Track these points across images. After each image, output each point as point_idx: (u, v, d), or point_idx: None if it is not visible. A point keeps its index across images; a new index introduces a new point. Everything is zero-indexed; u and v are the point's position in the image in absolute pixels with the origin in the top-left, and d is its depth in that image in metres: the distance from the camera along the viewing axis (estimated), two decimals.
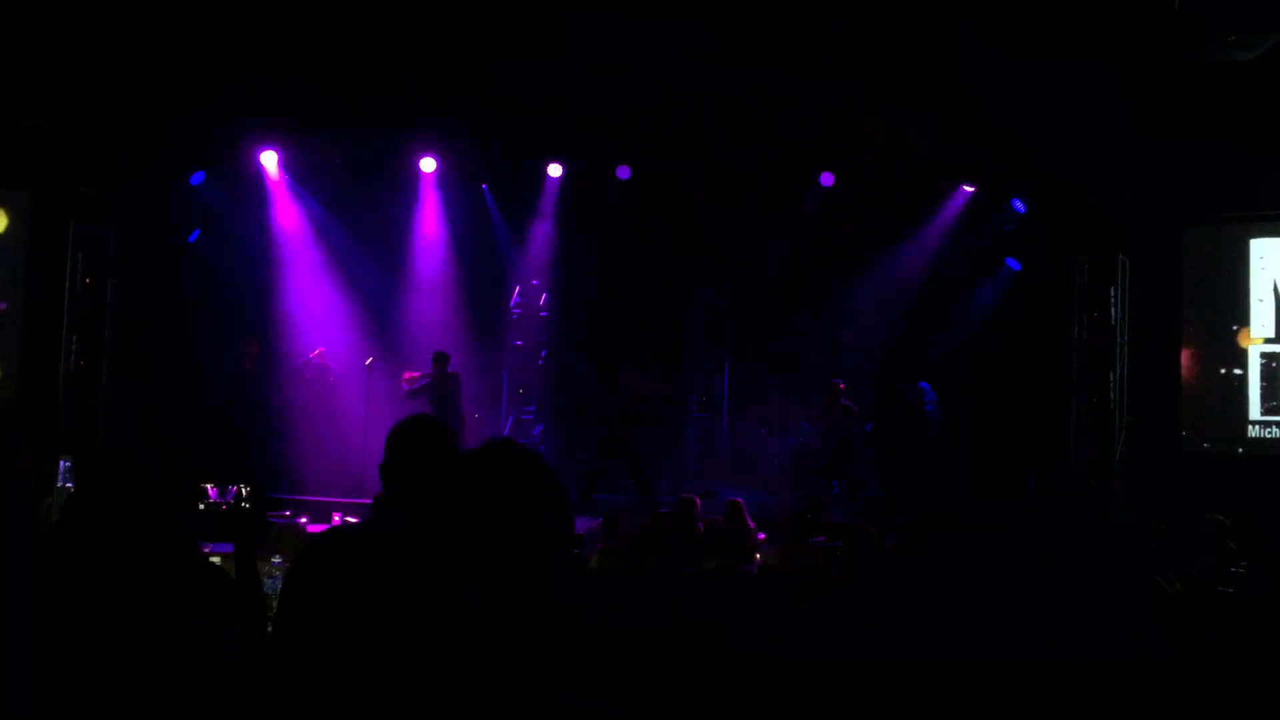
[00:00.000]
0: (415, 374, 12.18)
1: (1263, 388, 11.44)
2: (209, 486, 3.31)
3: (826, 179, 12.84)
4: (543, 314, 13.72)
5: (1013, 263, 13.04)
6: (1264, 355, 11.46)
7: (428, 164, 12.92)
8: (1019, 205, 12.68)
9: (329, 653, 2.72)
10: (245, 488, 3.24)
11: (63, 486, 6.13)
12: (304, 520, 8.79)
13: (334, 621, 2.75)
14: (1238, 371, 11.55)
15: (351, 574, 2.79)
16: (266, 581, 3.98)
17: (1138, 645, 3.07)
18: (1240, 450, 11.45)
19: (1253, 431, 11.47)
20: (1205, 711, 2.81)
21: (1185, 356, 11.77)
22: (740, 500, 9.29)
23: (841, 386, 12.24)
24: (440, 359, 11.93)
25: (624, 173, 13.08)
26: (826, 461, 12.46)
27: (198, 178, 12.39)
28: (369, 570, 2.67)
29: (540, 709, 1.45)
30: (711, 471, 12.82)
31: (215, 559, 4.00)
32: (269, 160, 12.54)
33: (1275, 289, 11.43)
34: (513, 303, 13.63)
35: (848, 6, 10.04)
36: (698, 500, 9.19)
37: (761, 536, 9.04)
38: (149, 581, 1.63)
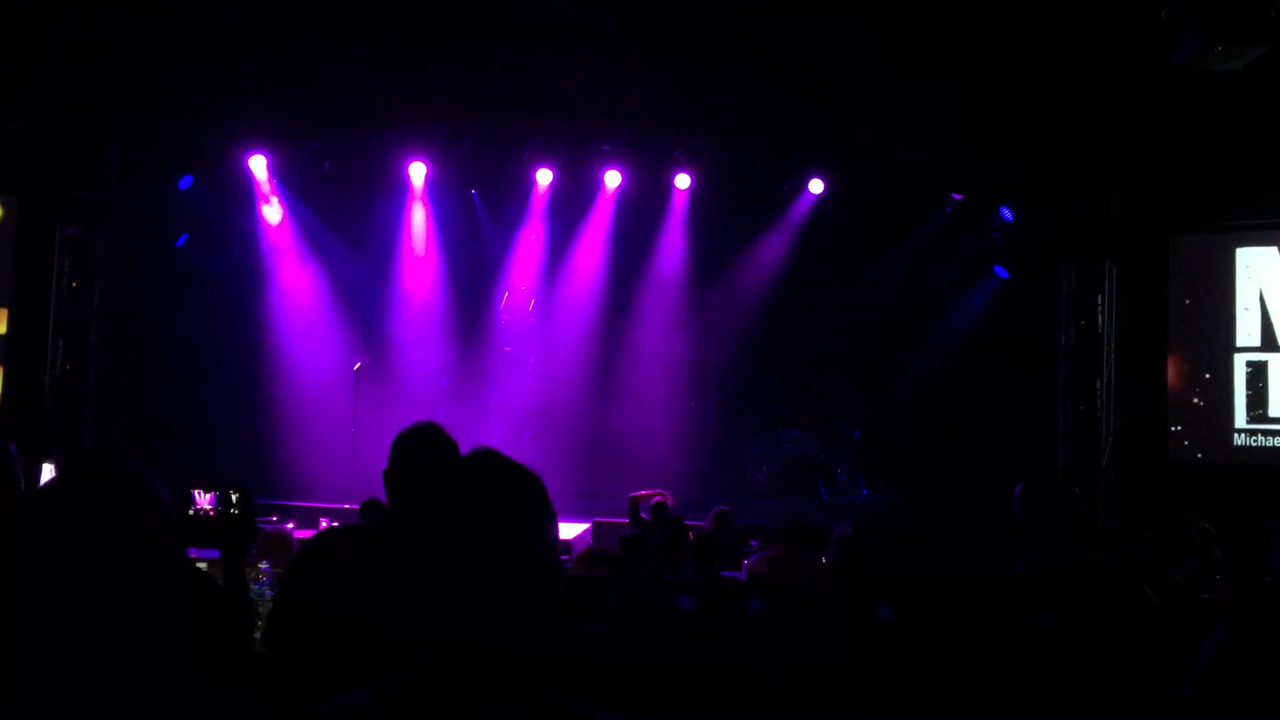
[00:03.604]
0: None
1: (1248, 396, 11.50)
2: (196, 492, 3.30)
3: (816, 186, 12.88)
4: (531, 319, 13.72)
5: (1000, 270, 13.11)
6: (1249, 364, 11.53)
7: (417, 169, 12.92)
8: (1007, 213, 12.73)
9: (325, 653, 2.72)
10: (234, 493, 3.23)
11: None
12: (291, 526, 8.78)
13: (330, 622, 2.75)
14: (1223, 380, 11.61)
15: (347, 575, 2.80)
16: (254, 587, 3.97)
17: (1124, 651, 3.09)
18: (1226, 458, 11.50)
19: (1238, 440, 11.53)
20: (1193, 715, 2.82)
21: (1171, 365, 11.83)
22: (728, 508, 9.30)
23: None
24: None
25: (613, 179, 13.11)
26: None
27: (185, 181, 12.36)
28: (365, 571, 2.67)
29: (524, 707, 1.45)
30: (701, 479, 12.83)
31: (202, 565, 3.99)
32: (257, 164, 12.52)
33: (1261, 297, 11.49)
34: (501, 308, 13.63)
35: (839, 13, 10.06)
36: (668, 499, 9.20)
37: (754, 545, 9.05)
38: (119, 590, 1.60)
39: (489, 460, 1.55)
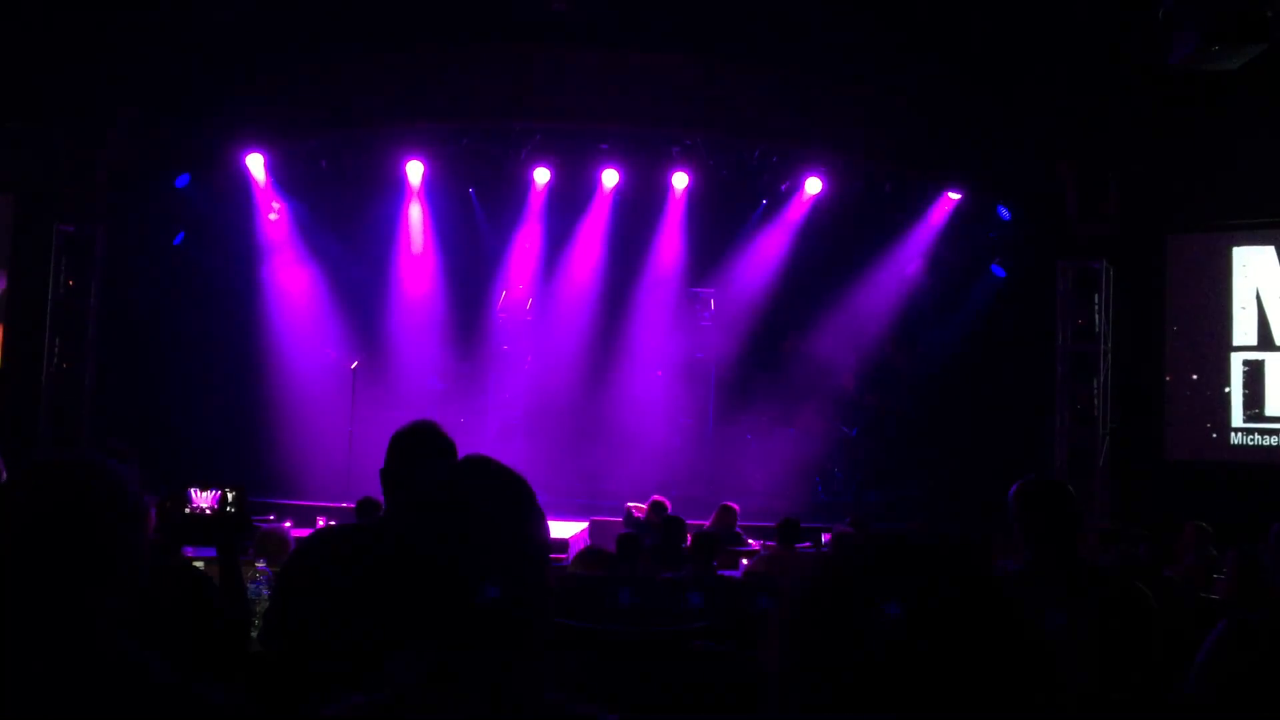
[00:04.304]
0: None
1: (1245, 395, 11.52)
2: (193, 490, 3.31)
3: (813, 185, 12.88)
4: (528, 318, 13.72)
5: (997, 269, 13.11)
6: (1246, 363, 11.54)
7: (414, 168, 12.90)
8: (1004, 212, 12.73)
9: (322, 651, 2.72)
10: (230, 492, 3.24)
11: None
12: (288, 524, 8.77)
13: (327, 620, 2.74)
14: (1220, 379, 11.62)
15: (344, 573, 2.79)
16: (251, 586, 3.97)
17: (1121, 651, 3.09)
18: (1222, 457, 11.52)
19: (1235, 439, 11.54)
20: (1191, 715, 2.82)
21: (1168, 364, 11.84)
22: (734, 505, 9.31)
23: None
24: None
25: (610, 178, 13.10)
26: None
27: (183, 180, 12.34)
28: (361, 569, 2.67)
29: (525, 706, 1.45)
30: (698, 478, 12.83)
31: (199, 563, 3.99)
32: (255, 163, 12.50)
33: (1257, 297, 11.51)
34: (498, 307, 13.62)
35: (836, 12, 10.07)
36: (668, 502, 9.22)
37: (755, 544, 9.06)
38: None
39: (480, 464, 1.57)
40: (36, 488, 1.59)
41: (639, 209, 13.45)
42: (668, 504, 9.24)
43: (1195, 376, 11.77)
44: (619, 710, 1.56)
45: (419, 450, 2.97)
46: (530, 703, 1.45)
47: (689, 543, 7.41)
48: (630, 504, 9.87)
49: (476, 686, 1.43)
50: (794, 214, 13.30)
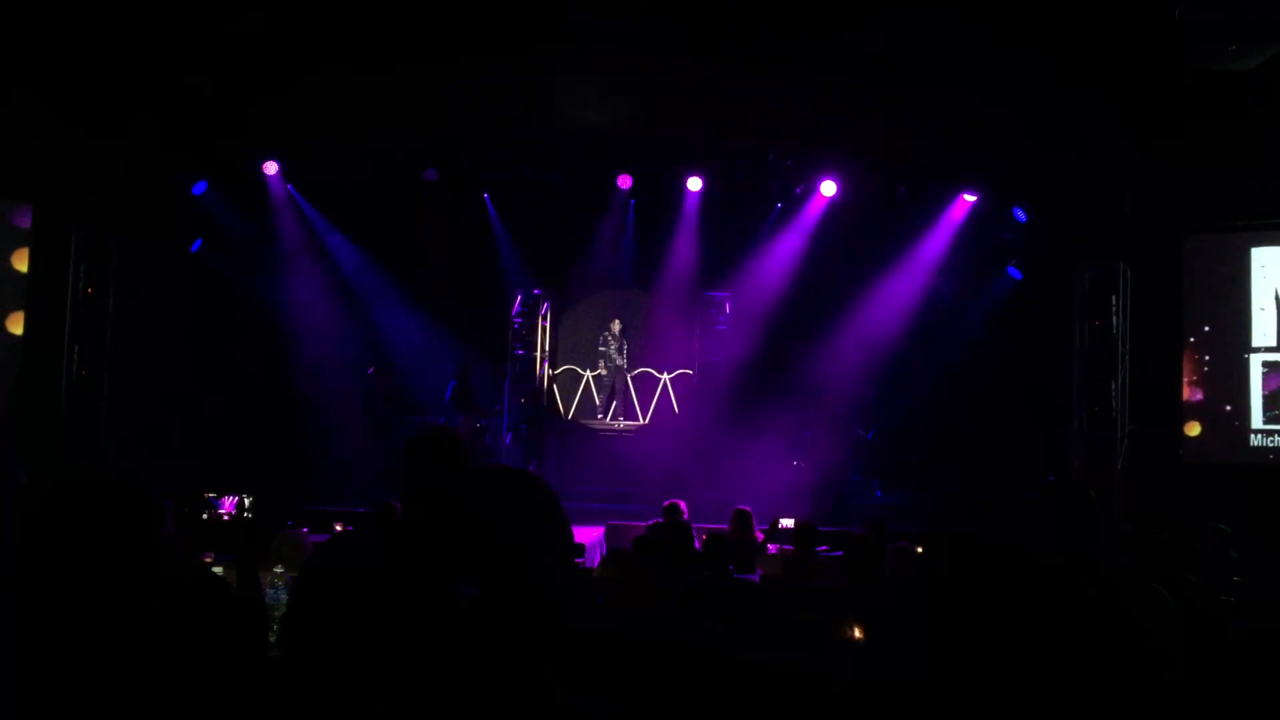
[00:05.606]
0: None
1: (1264, 397, 11.44)
2: (210, 497, 3.34)
3: (829, 188, 12.87)
4: (545, 323, 13.73)
5: (1014, 271, 13.07)
6: (1265, 364, 11.46)
7: (430, 173, 12.93)
8: (1020, 214, 12.69)
9: (338, 656, 2.72)
10: (248, 498, 3.25)
11: None
12: (305, 530, 8.80)
13: (343, 625, 2.75)
14: (1239, 380, 11.55)
15: (360, 578, 2.80)
16: (269, 591, 3.98)
17: (1139, 652, 3.08)
18: (1242, 459, 11.44)
19: (1254, 440, 11.46)
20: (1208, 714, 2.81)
21: (1186, 365, 11.77)
22: (748, 509, 9.29)
23: None
24: None
25: (624, 182, 13.11)
26: None
27: (200, 187, 12.41)
28: (377, 573, 2.68)
29: (539, 708, 1.45)
30: (713, 482, 12.81)
31: (218, 569, 4.01)
32: (271, 170, 12.57)
33: (1276, 297, 11.43)
34: (514, 312, 13.64)
35: (849, 12, 10.05)
36: (683, 505, 9.20)
37: (772, 549, 9.04)
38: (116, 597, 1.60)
39: (495, 469, 1.58)
40: (55, 502, 1.61)
41: (654, 213, 13.47)
42: (683, 507, 9.22)
43: (1214, 378, 11.70)
44: (634, 713, 1.55)
45: (434, 455, 2.99)
46: (543, 703, 1.45)
47: (699, 545, 7.42)
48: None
49: (484, 687, 1.43)
50: (808, 217, 13.30)
